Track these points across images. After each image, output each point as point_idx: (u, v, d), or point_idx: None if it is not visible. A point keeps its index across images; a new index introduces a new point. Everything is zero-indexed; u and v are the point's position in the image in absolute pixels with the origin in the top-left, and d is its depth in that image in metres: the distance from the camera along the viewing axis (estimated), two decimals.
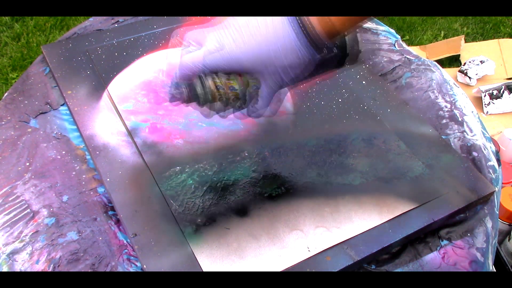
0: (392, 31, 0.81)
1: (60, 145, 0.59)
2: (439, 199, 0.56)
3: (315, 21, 0.43)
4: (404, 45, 0.78)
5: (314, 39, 0.43)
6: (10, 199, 0.53)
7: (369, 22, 0.82)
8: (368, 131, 0.63)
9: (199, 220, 0.52)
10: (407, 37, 1.85)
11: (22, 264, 0.48)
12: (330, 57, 0.46)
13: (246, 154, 0.58)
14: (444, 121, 0.67)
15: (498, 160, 0.64)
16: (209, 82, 0.46)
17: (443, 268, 0.52)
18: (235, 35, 0.44)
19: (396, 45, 0.78)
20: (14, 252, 0.49)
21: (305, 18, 0.43)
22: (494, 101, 1.44)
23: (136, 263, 0.49)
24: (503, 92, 1.44)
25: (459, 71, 1.58)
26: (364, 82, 0.69)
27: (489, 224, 0.57)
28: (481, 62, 1.56)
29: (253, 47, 0.43)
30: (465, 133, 0.65)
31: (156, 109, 0.62)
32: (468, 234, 0.56)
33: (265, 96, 0.47)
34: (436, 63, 0.76)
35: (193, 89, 0.47)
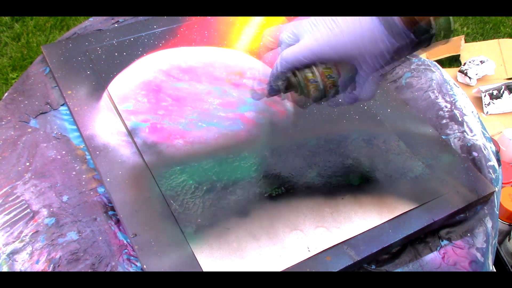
0: None
1: (60, 145, 0.59)
2: (439, 199, 0.56)
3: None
4: None
5: (404, 26, 0.45)
6: (10, 199, 0.53)
7: None
8: (368, 131, 0.63)
9: (199, 220, 0.52)
10: None
11: (22, 264, 0.48)
12: (425, 37, 0.47)
13: (246, 154, 0.58)
14: (444, 121, 0.67)
15: (498, 160, 0.64)
16: (304, 74, 0.48)
17: (443, 268, 0.52)
18: (331, 25, 0.46)
19: None
20: (14, 252, 0.49)
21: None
22: (494, 101, 1.44)
23: (136, 263, 0.49)
24: (503, 92, 1.44)
25: (459, 71, 1.58)
26: None
27: (489, 224, 0.57)
28: (481, 62, 1.56)
29: (348, 35, 0.45)
30: (465, 133, 0.65)
31: (156, 109, 0.62)
32: (468, 234, 0.56)
33: (362, 81, 0.49)
34: (436, 63, 0.76)
35: (289, 80, 0.49)
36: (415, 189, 0.57)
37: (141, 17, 0.77)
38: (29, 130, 0.60)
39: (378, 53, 0.46)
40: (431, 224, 0.54)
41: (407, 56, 0.50)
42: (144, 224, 0.51)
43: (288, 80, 0.49)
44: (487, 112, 1.44)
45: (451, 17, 0.47)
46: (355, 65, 0.47)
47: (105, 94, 0.63)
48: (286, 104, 0.65)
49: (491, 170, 0.61)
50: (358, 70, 0.48)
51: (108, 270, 0.49)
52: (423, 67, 0.74)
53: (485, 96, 1.45)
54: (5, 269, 0.48)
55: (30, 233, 0.51)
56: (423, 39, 0.46)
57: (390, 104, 0.67)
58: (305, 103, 0.53)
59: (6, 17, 1.72)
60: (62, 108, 0.63)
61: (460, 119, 0.67)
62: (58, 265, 0.48)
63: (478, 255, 0.54)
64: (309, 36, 0.47)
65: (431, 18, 0.46)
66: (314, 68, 0.48)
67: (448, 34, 0.48)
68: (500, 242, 1.07)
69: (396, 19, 0.44)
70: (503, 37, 1.83)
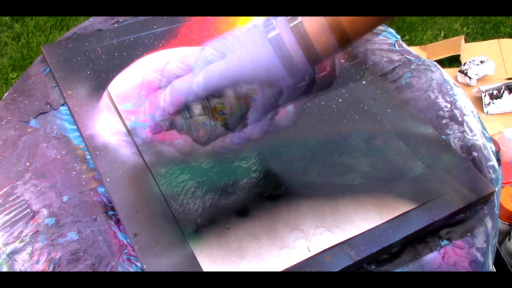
0: (392, 31, 0.81)
1: (60, 145, 0.59)
2: (439, 199, 0.56)
3: (314, 34, 0.42)
4: (404, 45, 0.78)
5: (312, 56, 0.42)
6: (10, 199, 0.53)
7: None
8: (368, 131, 0.63)
9: (199, 220, 0.52)
10: (407, 37, 1.85)
11: (22, 264, 0.48)
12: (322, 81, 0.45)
13: (246, 154, 0.58)
14: (444, 121, 0.67)
15: (498, 160, 0.64)
16: (195, 112, 0.45)
17: (443, 268, 0.52)
18: (230, 48, 0.42)
19: (396, 45, 0.78)
20: (14, 252, 0.49)
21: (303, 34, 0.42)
22: (494, 101, 1.44)
23: (136, 263, 0.49)
24: (503, 92, 1.44)
25: (459, 71, 1.58)
26: (364, 82, 0.69)
27: (489, 224, 0.57)
28: (481, 62, 1.56)
29: (249, 60, 0.42)
30: (465, 133, 0.65)
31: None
32: (468, 234, 0.56)
33: (259, 110, 0.45)
34: (436, 63, 0.76)
35: (174, 122, 0.46)
36: (415, 189, 0.57)
37: (141, 17, 0.77)
38: (29, 130, 0.60)
39: (275, 92, 0.44)
40: (431, 224, 0.54)
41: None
42: (144, 224, 0.51)
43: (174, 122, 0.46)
44: (487, 112, 1.44)
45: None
46: (257, 89, 0.44)
47: (105, 94, 0.64)
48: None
49: (491, 170, 0.61)
50: (258, 95, 0.44)
51: (108, 270, 0.49)
52: (423, 67, 0.74)
53: (485, 96, 1.45)
54: (5, 269, 0.48)
55: (30, 233, 0.51)
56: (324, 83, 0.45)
57: (390, 104, 0.67)
58: (189, 150, 0.49)
59: (6, 17, 1.72)
60: (62, 108, 0.63)
61: (460, 119, 0.67)
62: (58, 265, 0.48)
63: (478, 255, 0.54)
64: (202, 61, 0.43)
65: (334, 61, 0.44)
66: (206, 102, 0.44)
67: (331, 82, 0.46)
68: (500, 242, 1.07)
69: (300, 56, 0.41)
70: (503, 37, 1.83)
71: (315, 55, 0.42)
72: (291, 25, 0.42)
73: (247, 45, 0.42)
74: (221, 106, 0.44)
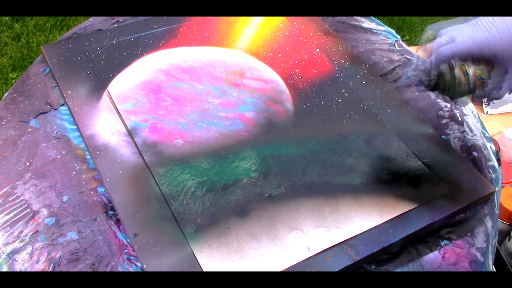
0: (392, 31, 0.81)
1: (60, 145, 0.59)
2: (439, 199, 0.56)
3: None
4: (404, 45, 0.78)
5: None
6: (10, 199, 0.53)
7: (368, 22, 0.81)
8: (368, 131, 0.63)
9: (199, 220, 0.52)
10: (407, 37, 1.85)
11: (22, 264, 0.48)
12: None
13: (246, 154, 0.58)
14: (444, 121, 0.67)
15: (498, 160, 0.64)
16: (457, 71, 0.50)
17: (443, 268, 0.52)
18: (488, 25, 0.47)
19: (396, 45, 0.78)
20: (14, 252, 0.49)
21: None
22: (494, 101, 1.44)
23: (136, 263, 0.49)
24: None
25: None
26: (364, 82, 0.69)
27: (489, 224, 0.57)
28: None
29: (505, 35, 0.46)
30: (465, 133, 0.65)
31: (156, 109, 0.62)
32: (468, 234, 0.56)
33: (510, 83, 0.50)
34: None
35: (442, 76, 0.51)
36: (415, 189, 0.57)
37: (141, 17, 0.77)
38: (29, 130, 0.60)
39: None
40: (431, 224, 0.54)
41: None
42: (144, 224, 0.51)
43: (440, 74, 0.51)
44: (487, 112, 1.44)
45: None
46: (508, 67, 0.48)
47: (105, 94, 0.63)
48: (286, 104, 0.65)
49: (491, 170, 0.61)
50: (509, 69, 0.49)
51: (108, 270, 0.49)
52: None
53: None
54: (5, 269, 0.48)
55: (30, 233, 0.51)
56: None
57: (390, 104, 0.67)
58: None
59: (6, 17, 1.72)
60: (62, 108, 0.63)
61: (460, 119, 0.67)
62: (58, 265, 0.48)
63: (478, 255, 0.54)
64: (466, 36, 0.48)
65: None
66: (467, 65, 0.49)
67: None
68: (500, 242, 1.07)
69: None
70: None
71: None
72: None
73: (506, 19, 0.47)
74: (480, 72, 0.49)
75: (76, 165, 0.57)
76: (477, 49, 0.48)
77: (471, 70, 0.50)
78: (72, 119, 0.61)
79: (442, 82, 0.52)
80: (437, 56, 0.50)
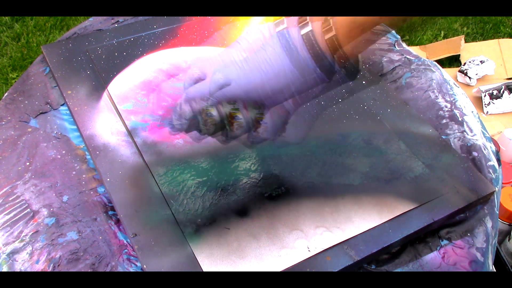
0: (392, 31, 0.81)
1: (60, 145, 0.59)
2: (439, 199, 0.56)
3: (318, 37, 0.44)
4: (404, 45, 0.78)
5: (320, 57, 0.44)
6: (10, 199, 0.53)
7: None
8: (368, 131, 0.63)
9: (199, 220, 0.52)
10: (407, 37, 1.85)
11: (22, 264, 0.48)
12: (339, 78, 0.47)
13: (246, 154, 0.58)
14: (444, 121, 0.67)
15: (498, 160, 0.64)
16: (214, 114, 0.48)
17: (443, 268, 0.52)
18: (240, 70, 0.46)
19: (396, 45, 0.78)
20: (14, 252, 0.49)
21: (310, 37, 0.44)
22: (494, 101, 1.44)
23: (136, 263, 0.49)
24: (503, 92, 1.44)
25: (459, 71, 1.58)
26: (364, 82, 0.69)
27: (489, 224, 0.57)
28: (481, 62, 1.56)
29: (258, 81, 0.45)
30: (465, 133, 0.65)
31: (156, 109, 0.62)
32: (468, 234, 0.56)
33: (270, 122, 0.49)
34: (436, 63, 0.76)
35: (196, 122, 0.49)
36: (415, 189, 0.57)
37: (141, 17, 0.77)
38: (29, 130, 0.60)
39: (288, 96, 0.47)
40: (431, 224, 0.54)
41: None
42: (144, 224, 0.51)
43: (196, 122, 0.49)
44: (487, 112, 1.44)
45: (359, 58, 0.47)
46: (263, 102, 0.47)
47: (105, 94, 0.63)
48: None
49: (491, 170, 0.61)
50: (266, 111, 0.48)
51: (108, 270, 0.49)
52: (423, 67, 0.74)
53: (485, 96, 1.45)
54: (5, 269, 0.48)
55: (30, 233, 0.51)
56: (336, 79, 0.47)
57: (390, 104, 0.67)
58: (199, 138, 0.52)
59: (6, 17, 1.72)
60: (62, 108, 0.63)
61: (460, 119, 0.67)
62: (58, 265, 0.48)
63: (478, 255, 0.54)
64: (218, 77, 0.46)
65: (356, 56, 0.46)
66: (221, 108, 0.47)
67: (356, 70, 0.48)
68: (500, 242, 1.07)
69: (306, 51, 0.44)
70: (503, 37, 1.83)
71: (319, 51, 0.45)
72: (300, 26, 0.45)
73: (262, 57, 0.45)
74: (237, 112, 0.48)
75: (76, 165, 0.57)
76: (231, 95, 0.46)
77: (227, 111, 0.47)
78: (72, 119, 0.61)
79: (197, 128, 0.50)
80: (186, 101, 0.48)
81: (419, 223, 0.53)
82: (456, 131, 0.65)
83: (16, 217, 0.52)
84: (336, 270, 0.49)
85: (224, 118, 0.48)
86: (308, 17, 0.45)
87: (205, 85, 0.47)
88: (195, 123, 0.49)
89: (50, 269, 0.48)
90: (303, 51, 0.44)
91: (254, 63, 0.45)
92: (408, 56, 0.76)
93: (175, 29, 0.74)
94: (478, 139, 0.65)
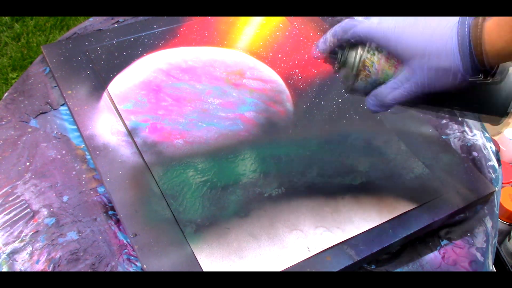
0: None
1: (60, 145, 0.59)
2: (439, 199, 0.56)
3: (488, 37, 0.41)
4: None
5: (476, 54, 0.42)
6: (10, 199, 0.53)
7: None
8: (368, 131, 0.63)
9: (199, 220, 0.52)
10: None
11: (22, 264, 0.48)
12: (483, 83, 0.43)
13: (246, 154, 0.58)
14: (444, 121, 0.67)
15: (498, 160, 0.64)
16: (362, 54, 0.45)
17: (443, 268, 0.52)
18: (406, 20, 0.43)
19: None
20: (14, 252, 0.49)
21: (477, 28, 0.42)
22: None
23: (136, 263, 0.49)
24: None
25: None
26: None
27: (489, 224, 0.57)
28: None
29: (416, 33, 0.43)
30: (465, 133, 0.65)
31: (156, 109, 0.62)
32: (468, 234, 0.56)
33: (401, 88, 0.46)
34: None
35: (347, 57, 0.46)
36: (415, 189, 0.57)
37: (141, 17, 0.77)
38: (29, 130, 0.60)
39: (429, 68, 0.43)
40: (431, 224, 0.54)
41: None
42: (144, 224, 0.51)
43: (347, 56, 0.46)
44: None
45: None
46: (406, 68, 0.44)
47: (105, 94, 0.63)
48: (286, 104, 0.65)
49: (491, 170, 0.61)
50: (405, 71, 0.44)
51: (108, 270, 0.49)
52: None
53: None
54: (5, 269, 0.48)
55: (30, 233, 0.51)
56: (480, 83, 0.43)
57: None
58: (347, 85, 0.49)
59: (6, 17, 1.72)
60: (62, 108, 0.63)
61: (460, 119, 0.67)
62: (58, 265, 0.48)
63: (478, 255, 0.54)
64: (387, 22, 0.44)
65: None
66: (377, 56, 0.45)
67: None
68: (500, 242, 1.07)
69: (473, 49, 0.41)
70: None
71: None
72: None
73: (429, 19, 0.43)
74: (371, 63, 0.45)
75: (76, 165, 0.57)
76: (382, 35, 0.44)
77: (381, 60, 0.45)
78: (72, 119, 0.61)
79: (346, 63, 0.47)
80: (342, 25, 0.46)
81: (419, 223, 0.53)
82: (456, 131, 0.65)
83: (16, 217, 0.52)
84: (336, 270, 0.49)
85: (357, 63, 0.45)
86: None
87: (366, 23, 0.45)
88: (347, 61, 0.46)
89: (50, 269, 0.48)
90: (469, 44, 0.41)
91: (424, 23, 0.43)
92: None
93: (175, 29, 0.74)
94: (478, 139, 0.65)
